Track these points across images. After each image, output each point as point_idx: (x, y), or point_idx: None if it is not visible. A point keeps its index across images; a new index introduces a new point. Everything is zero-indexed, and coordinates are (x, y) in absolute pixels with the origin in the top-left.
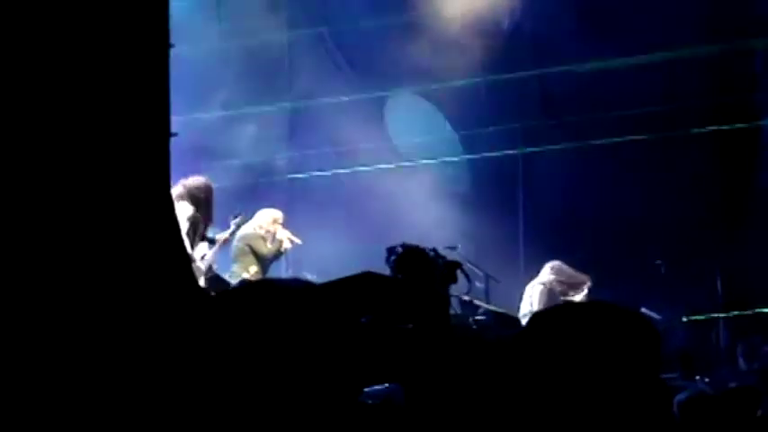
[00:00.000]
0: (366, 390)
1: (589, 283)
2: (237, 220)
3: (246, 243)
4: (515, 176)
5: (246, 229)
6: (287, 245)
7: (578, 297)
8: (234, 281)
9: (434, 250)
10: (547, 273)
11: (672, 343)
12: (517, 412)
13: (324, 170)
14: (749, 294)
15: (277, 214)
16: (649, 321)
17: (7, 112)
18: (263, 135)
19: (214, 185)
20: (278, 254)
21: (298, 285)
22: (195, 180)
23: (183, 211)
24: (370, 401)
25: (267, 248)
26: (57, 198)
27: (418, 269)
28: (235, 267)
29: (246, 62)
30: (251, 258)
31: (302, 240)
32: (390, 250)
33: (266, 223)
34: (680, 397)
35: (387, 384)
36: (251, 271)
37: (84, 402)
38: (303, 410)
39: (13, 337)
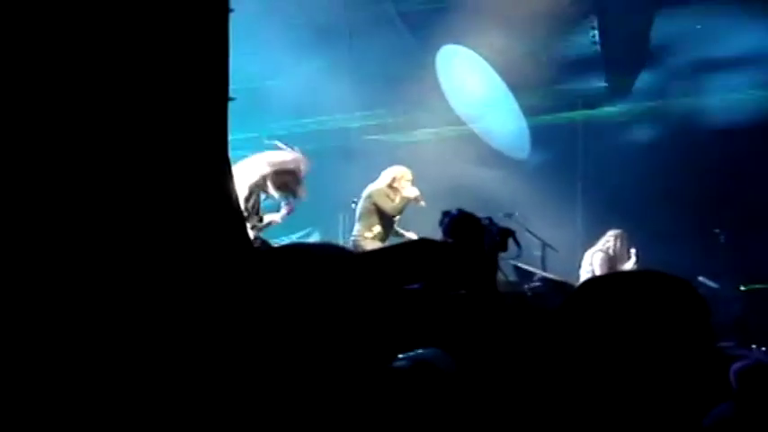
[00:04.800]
0: (401, 355)
1: (633, 251)
2: (284, 210)
3: (372, 201)
4: (575, 143)
5: (373, 187)
6: (417, 199)
7: (627, 267)
8: (357, 240)
9: (489, 219)
10: (609, 241)
11: (729, 312)
12: (559, 379)
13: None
14: None
15: (403, 171)
16: (698, 290)
17: (76, 68)
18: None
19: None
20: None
21: (328, 251)
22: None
23: (247, 179)
24: (402, 365)
25: (392, 206)
26: (118, 158)
27: (469, 234)
28: (358, 226)
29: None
30: (375, 218)
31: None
32: (445, 213)
33: (391, 180)
34: (737, 365)
35: (421, 350)
36: (374, 231)
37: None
38: (326, 376)
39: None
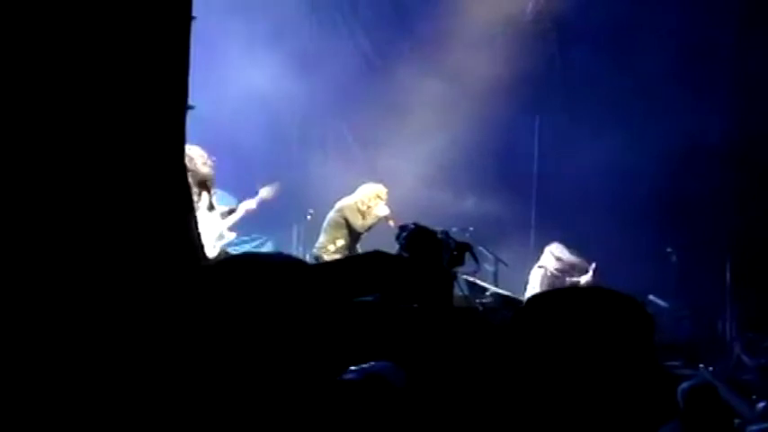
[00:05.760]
0: (353, 367)
1: (593, 266)
2: (266, 190)
3: (343, 215)
4: (530, 162)
5: (346, 200)
6: (387, 217)
7: (583, 279)
8: (318, 252)
9: (446, 233)
10: (546, 256)
11: (678, 331)
12: (507, 393)
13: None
14: (759, 286)
15: (380, 190)
16: (644, 307)
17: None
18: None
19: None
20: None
21: (282, 261)
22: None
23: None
24: (353, 377)
25: (361, 222)
26: (73, 160)
27: (426, 248)
28: (322, 238)
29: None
30: (343, 231)
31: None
32: (402, 227)
33: (368, 198)
34: (684, 385)
35: (372, 362)
36: (337, 244)
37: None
38: (275, 386)
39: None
